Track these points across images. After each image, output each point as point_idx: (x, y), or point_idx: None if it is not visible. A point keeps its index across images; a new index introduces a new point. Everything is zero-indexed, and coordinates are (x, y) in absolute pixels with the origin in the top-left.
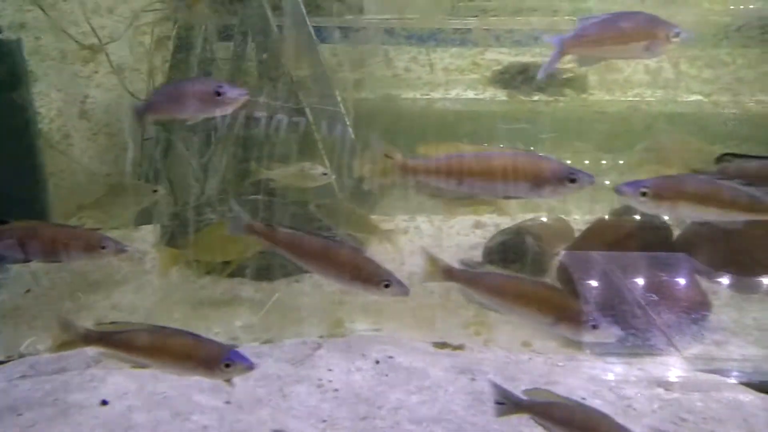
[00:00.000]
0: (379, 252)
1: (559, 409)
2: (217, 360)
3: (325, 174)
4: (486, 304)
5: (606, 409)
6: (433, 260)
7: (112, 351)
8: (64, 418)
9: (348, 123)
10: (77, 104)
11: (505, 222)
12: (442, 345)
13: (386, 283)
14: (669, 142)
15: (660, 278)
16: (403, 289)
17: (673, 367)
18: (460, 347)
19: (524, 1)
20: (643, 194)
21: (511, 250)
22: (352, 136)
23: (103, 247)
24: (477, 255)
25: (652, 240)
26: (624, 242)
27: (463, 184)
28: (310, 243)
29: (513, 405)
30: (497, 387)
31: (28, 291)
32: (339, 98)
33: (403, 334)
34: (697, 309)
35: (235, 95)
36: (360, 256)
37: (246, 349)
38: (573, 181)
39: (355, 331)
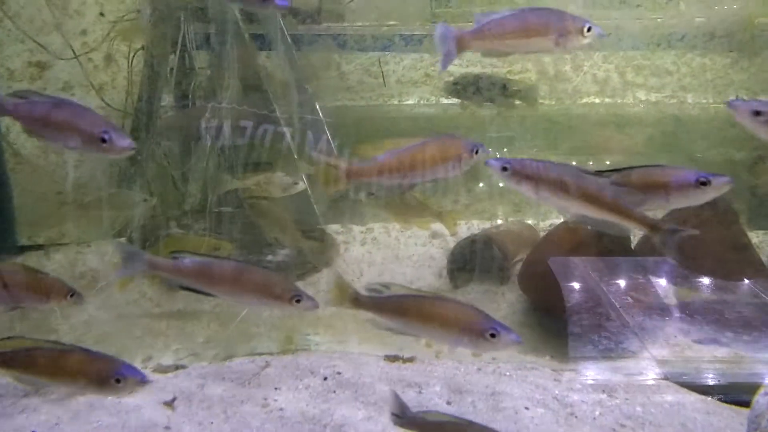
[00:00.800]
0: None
1: (450, 428)
2: (108, 375)
3: (295, 184)
4: (395, 329)
5: (548, 418)
6: (341, 286)
7: (7, 371)
8: None
9: (327, 131)
10: None
11: (461, 231)
12: (394, 358)
13: (297, 298)
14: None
15: (620, 282)
16: (313, 303)
17: (620, 373)
18: (411, 360)
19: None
20: (504, 169)
21: (473, 257)
22: (332, 144)
23: (72, 295)
24: (434, 265)
25: (610, 246)
26: (582, 248)
27: (406, 177)
28: (219, 269)
29: (407, 420)
30: (396, 399)
31: None
32: (318, 107)
33: (358, 348)
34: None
35: (121, 146)
36: (267, 274)
37: (192, 370)
38: (476, 152)
39: (318, 343)
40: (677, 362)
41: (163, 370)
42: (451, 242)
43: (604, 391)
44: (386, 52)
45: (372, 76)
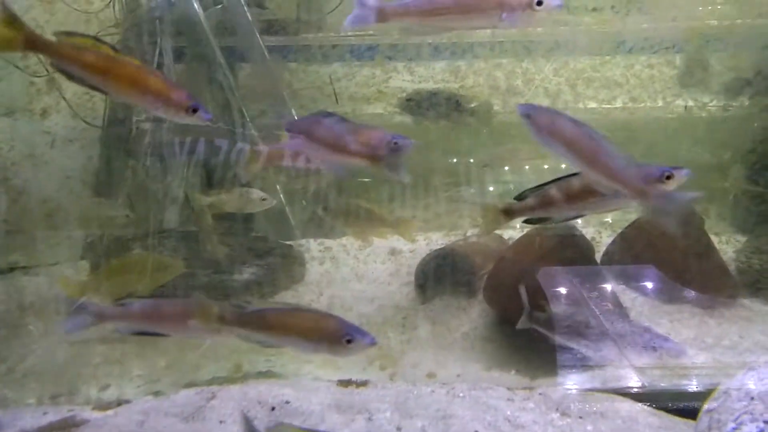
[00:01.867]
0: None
1: None
2: None
3: (264, 200)
4: (261, 342)
5: None
6: (205, 306)
7: None
8: None
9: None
10: None
11: (420, 247)
12: (347, 383)
13: None
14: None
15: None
16: None
17: (573, 389)
18: (364, 384)
19: None
20: (288, 130)
21: (438, 272)
22: None
23: None
24: (395, 282)
25: (573, 256)
26: (545, 259)
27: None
28: (167, 308)
29: None
30: (247, 424)
31: None
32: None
33: (316, 372)
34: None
35: None
36: (215, 304)
37: (135, 405)
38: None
39: (284, 365)
40: (655, 371)
41: (104, 406)
42: (411, 258)
43: (557, 410)
44: (336, 65)
45: (324, 93)
